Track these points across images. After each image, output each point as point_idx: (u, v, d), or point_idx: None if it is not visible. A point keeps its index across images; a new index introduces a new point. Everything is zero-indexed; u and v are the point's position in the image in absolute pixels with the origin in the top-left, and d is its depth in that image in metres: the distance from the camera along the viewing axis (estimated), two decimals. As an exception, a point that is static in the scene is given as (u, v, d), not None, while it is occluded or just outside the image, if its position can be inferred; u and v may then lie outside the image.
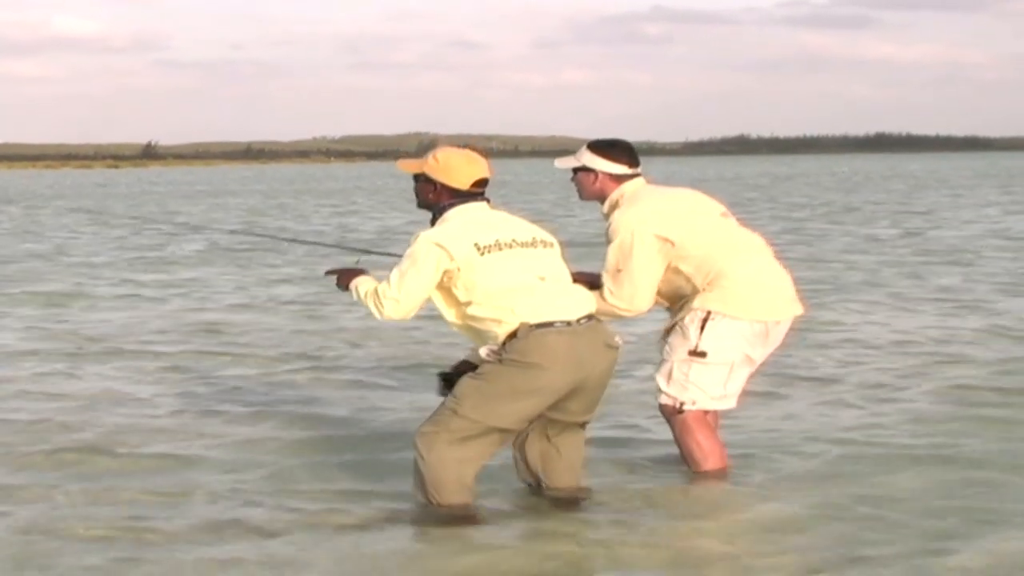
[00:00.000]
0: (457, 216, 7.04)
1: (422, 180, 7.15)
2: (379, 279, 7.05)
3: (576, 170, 7.91)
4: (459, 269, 6.84)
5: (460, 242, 6.86)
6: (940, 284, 18.45)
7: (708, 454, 7.76)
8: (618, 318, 7.56)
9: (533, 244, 7.08)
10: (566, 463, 7.27)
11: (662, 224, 7.59)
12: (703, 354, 7.57)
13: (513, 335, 6.81)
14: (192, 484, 7.97)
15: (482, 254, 6.86)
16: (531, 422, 7.03)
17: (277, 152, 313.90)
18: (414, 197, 7.29)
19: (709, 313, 7.57)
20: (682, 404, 7.62)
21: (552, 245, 7.19)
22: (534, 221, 7.36)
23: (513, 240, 7.00)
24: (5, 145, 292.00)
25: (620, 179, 7.81)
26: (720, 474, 7.80)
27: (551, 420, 7.08)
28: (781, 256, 7.90)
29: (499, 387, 6.81)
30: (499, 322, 6.84)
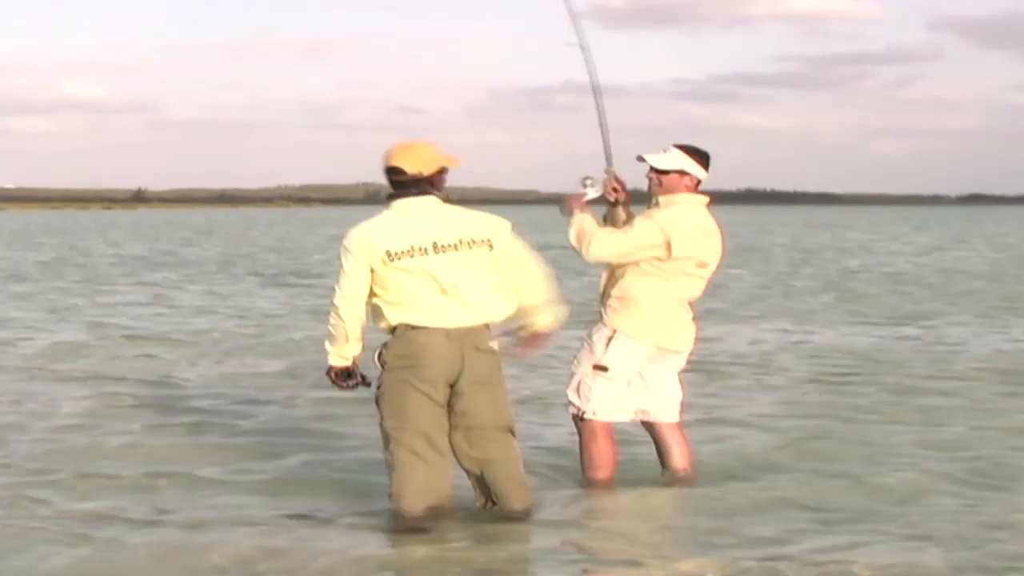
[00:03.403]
0: (394, 210, 6.60)
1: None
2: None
3: (668, 171, 7.35)
4: (372, 270, 6.47)
5: (372, 248, 6.45)
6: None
7: (601, 464, 7.49)
8: (592, 255, 7.24)
9: (456, 247, 6.52)
10: (505, 474, 6.69)
11: (681, 237, 7.23)
12: (605, 368, 7.32)
13: (392, 331, 6.53)
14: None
15: (390, 260, 6.43)
16: (446, 423, 6.56)
17: (246, 198, 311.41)
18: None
19: (615, 332, 7.33)
20: (583, 413, 7.39)
21: (481, 243, 6.59)
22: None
23: (434, 244, 6.48)
24: (18, 189, 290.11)
25: (698, 185, 7.44)
26: (608, 483, 7.48)
27: (466, 428, 6.57)
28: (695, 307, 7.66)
29: (393, 389, 6.49)
30: (385, 319, 6.53)
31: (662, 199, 7.38)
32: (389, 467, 6.63)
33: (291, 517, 7.14)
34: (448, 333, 6.48)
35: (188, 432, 9.69)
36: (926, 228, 79.33)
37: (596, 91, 7.61)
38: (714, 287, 7.49)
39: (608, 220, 7.61)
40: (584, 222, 7.33)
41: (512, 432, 6.78)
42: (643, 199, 7.57)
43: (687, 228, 7.28)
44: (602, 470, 7.51)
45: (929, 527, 6.93)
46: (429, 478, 6.56)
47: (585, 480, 7.55)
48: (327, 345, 6.69)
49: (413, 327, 6.48)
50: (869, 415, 10.40)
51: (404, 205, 6.58)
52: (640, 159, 7.42)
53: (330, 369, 6.73)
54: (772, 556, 6.33)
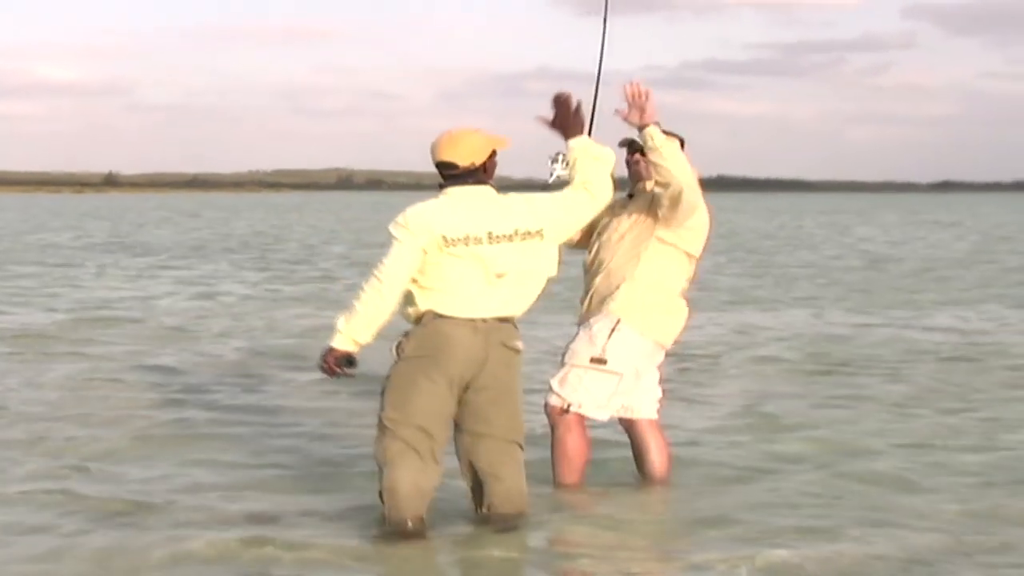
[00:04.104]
0: (448, 196, 6.27)
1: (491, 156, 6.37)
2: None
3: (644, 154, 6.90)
4: (425, 252, 6.10)
5: (431, 230, 6.10)
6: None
7: (575, 459, 7.08)
8: (677, 178, 6.68)
9: (510, 238, 6.21)
10: (508, 488, 6.35)
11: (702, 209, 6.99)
12: (604, 361, 6.92)
13: (419, 319, 6.18)
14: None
15: (446, 246, 6.10)
16: (449, 424, 6.23)
17: (217, 182, 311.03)
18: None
19: (619, 321, 6.93)
20: (569, 405, 6.95)
21: (535, 234, 6.27)
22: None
23: (487, 234, 6.16)
24: None
25: None
26: (580, 479, 7.14)
27: (478, 435, 6.26)
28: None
29: (404, 380, 6.13)
30: (415, 304, 6.15)
31: (640, 185, 7.06)
32: (380, 461, 6.23)
33: (273, 512, 6.86)
34: (476, 326, 6.15)
35: (168, 423, 9.43)
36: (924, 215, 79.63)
37: (599, 70, 7.26)
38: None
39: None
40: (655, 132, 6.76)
41: (522, 445, 6.40)
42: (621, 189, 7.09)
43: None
44: (576, 465, 7.12)
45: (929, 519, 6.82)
46: (422, 477, 6.18)
47: (555, 475, 7.14)
48: (341, 324, 6.17)
49: (440, 315, 6.13)
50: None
51: (459, 192, 6.26)
52: (626, 143, 7.06)
53: (330, 351, 6.20)
54: (759, 551, 6.16)
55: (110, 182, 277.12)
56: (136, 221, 63.03)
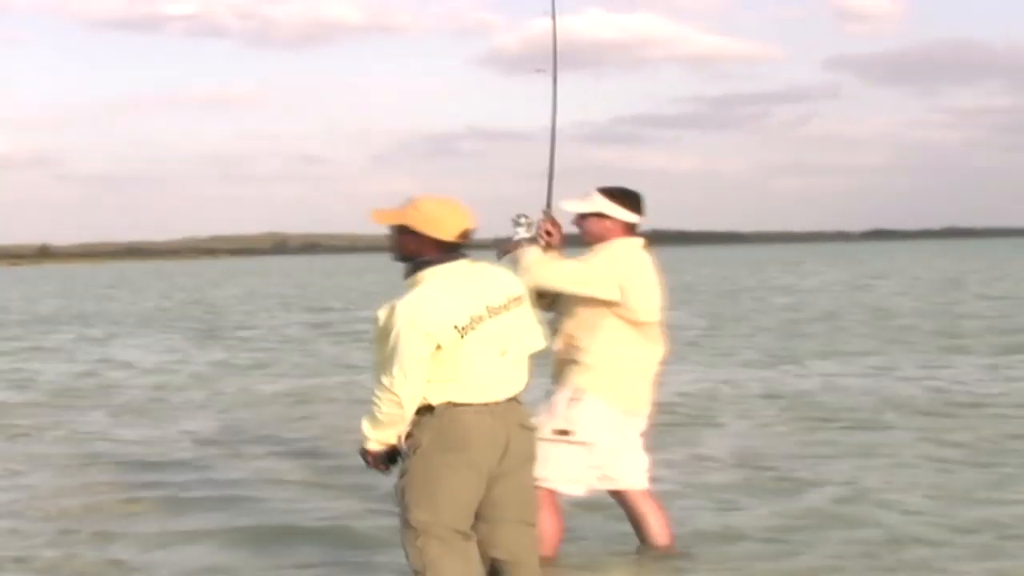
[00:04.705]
0: (429, 281, 5.58)
1: (404, 232, 5.66)
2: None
3: (586, 215, 6.81)
4: (439, 348, 5.46)
5: (439, 323, 5.45)
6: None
7: (549, 536, 6.68)
8: (540, 281, 6.52)
9: (506, 307, 5.66)
10: (531, 571, 5.85)
11: (630, 281, 6.66)
12: (568, 432, 6.58)
13: (429, 408, 5.54)
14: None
15: (462, 337, 5.50)
16: (473, 515, 5.66)
17: (153, 251, 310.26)
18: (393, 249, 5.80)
19: (579, 392, 6.63)
20: (537, 482, 6.25)
21: (521, 300, 5.76)
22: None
23: (487, 309, 5.59)
24: None
25: (630, 228, 6.82)
26: (553, 555, 6.79)
27: (498, 521, 5.71)
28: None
29: (428, 477, 5.55)
30: (424, 398, 5.52)
31: (597, 246, 6.80)
32: (418, 567, 5.63)
33: None
34: (492, 410, 5.60)
35: (122, 491, 9.24)
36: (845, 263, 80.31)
37: (552, 134, 7.06)
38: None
39: None
40: (530, 252, 6.65)
41: (535, 525, 5.93)
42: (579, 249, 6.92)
43: (633, 271, 6.72)
44: (547, 542, 6.68)
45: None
46: (467, 570, 5.64)
47: None
48: (366, 430, 5.62)
49: (456, 404, 5.55)
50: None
51: (450, 271, 5.63)
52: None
53: (367, 453, 5.69)
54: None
55: (44, 253, 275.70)
56: (81, 293, 62.43)
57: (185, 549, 7.75)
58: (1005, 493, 8.77)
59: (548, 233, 6.81)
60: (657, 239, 6.79)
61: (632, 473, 6.91)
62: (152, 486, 9.62)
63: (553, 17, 7.15)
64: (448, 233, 5.61)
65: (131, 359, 21.46)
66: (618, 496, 7.01)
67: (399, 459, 5.67)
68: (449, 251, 5.64)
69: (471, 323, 5.53)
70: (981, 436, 11.19)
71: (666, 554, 7.06)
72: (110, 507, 8.94)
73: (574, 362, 6.68)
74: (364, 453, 5.72)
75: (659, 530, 7.05)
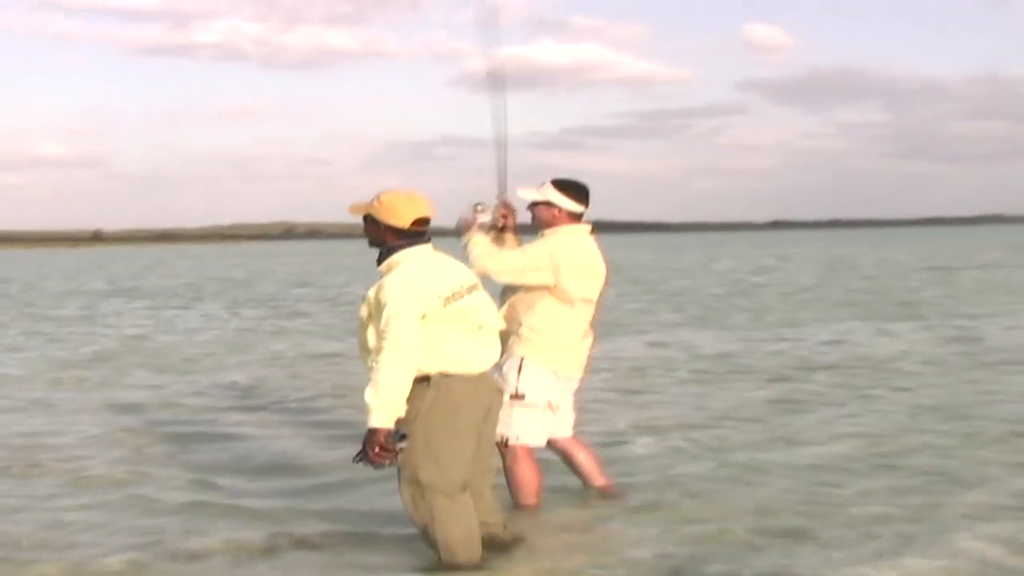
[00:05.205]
0: (408, 262, 5.36)
1: (369, 221, 5.48)
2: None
3: (538, 202, 6.56)
4: (425, 317, 5.24)
5: (428, 292, 5.26)
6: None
7: (530, 485, 6.52)
8: (483, 270, 6.23)
9: (473, 289, 5.50)
10: (490, 503, 5.69)
11: (567, 265, 6.40)
12: (521, 396, 6.38)
13: (425, 379, 5.27)
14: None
15: (445, 306, 5.30)
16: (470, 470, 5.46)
17: (184, 236, 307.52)
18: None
19: (523, 360, 6.42)
20: (507, 439, 6.38)
21: (478, 286, 5.58)
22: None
23: (461, 286, 5.42)
24: None
25: (576, 217, 6.56)
26: (537, 503, 6.52)
27: (475, 474, 5.53)
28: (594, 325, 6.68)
29: (430, 439, 5.28)
30: (418, 368, 5.21)
31: (546, 231, 6.54)
32: (425, 519, 5.38)
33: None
34: (476, 379, 5.43)
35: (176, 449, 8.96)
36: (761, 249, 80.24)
37: (500, 135, 6.61)
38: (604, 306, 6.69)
39: (497, 245, 6.65)
40: (479, 239, 6.45)
41: (492, 471, 5.81)
42: (533, 231, 6.68)
43: (572, 256, 6.44)
44: (531, 491, 6.54)
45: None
46: (471, 523, 5.43)
47: (514, 503, 6.49)
48: (374, 402, 5.11)
49: (448, 375, 5.33)
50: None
51: (425, 251, 5.45)
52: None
53: (376, 433, 5.11)
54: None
55: (97, 238, 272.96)
56: (135, 270, 61.82)
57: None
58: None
59: (504, 216, 6.64)
60: (597, 227, 6.68)
61: (564, 426, 6.70)
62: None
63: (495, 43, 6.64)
64: (403, 221, 5.40)
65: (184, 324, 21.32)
66: (554, 445, 6.76)
67: (405, 437, 5.19)
68: (406, 237, 5.41)
69: (453, 295, 5.35)
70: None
71: (611, 494, 6.82)
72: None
73: (516, 335, 6.45)
74: (368, 440, 5.13)
75: (588, 463, 6.85)
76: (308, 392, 11.75)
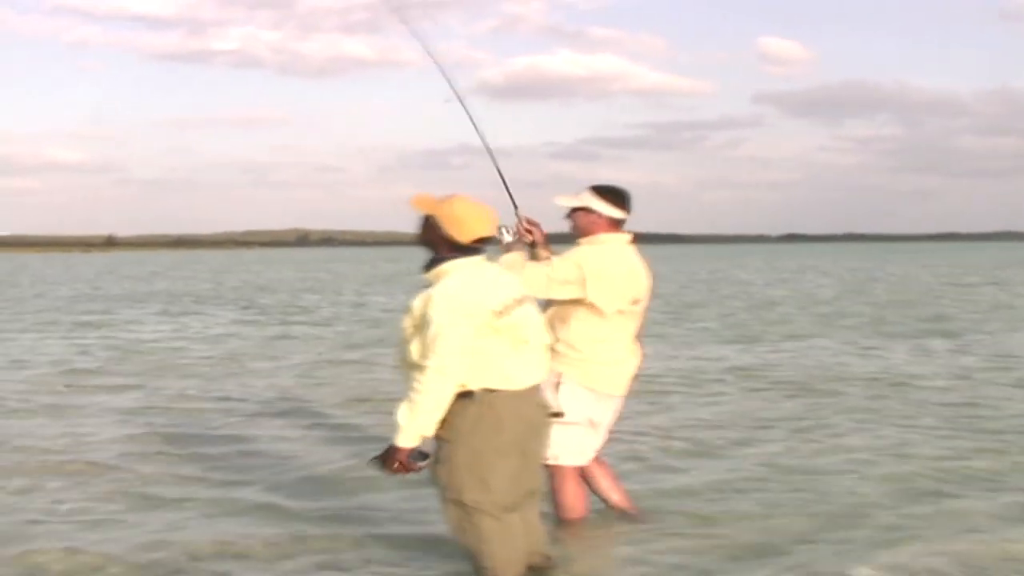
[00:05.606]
0: (458, 272, 5.05)
1: (428, 223, 5.14)
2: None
3: (576, 209, 6.24)
4: (476, 331, 4.94)
5: (479, 307, 4.94)
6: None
7: (573, 507, 6.28)
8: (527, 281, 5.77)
9: (522, 302, 5.17)
10: (539, 532, 5.43)
11: (596, 276, 6.06)
12: (560, 414, 5.84)
13: (467, 394, 4.98)
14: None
15: (498, 319, 4.98)
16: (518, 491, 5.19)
17: (197, 242, 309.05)
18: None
19: (560, 377, 6.06)
20: (547, 459, 5.85)
21: (528, 300, 5.28)
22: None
23: (511, 299, 5.09)
24: (10, 236, 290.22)
25: (616, 224, 6.24)
26: (581, 524, 6.28)
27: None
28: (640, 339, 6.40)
29: (474, 460, 5.01)
30: (462, 383, 4.94)
31: (582, 240, 6.21)
32: (473, 542, 5.13)
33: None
34: (521, 395, 5.10)
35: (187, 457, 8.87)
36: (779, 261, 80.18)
37: (489, 149, 6.35)
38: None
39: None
40: (512, 257, 6.08)
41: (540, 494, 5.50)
42: (569, 241, 6.35)
43: (601, 267, 6.08)
44: (574, 512, 6.29)
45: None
46: (517, 543, 5.18)
47: (558, 522, 6.24)
48: (403, 419, 4.90)
49: (492, 391, 5.01)
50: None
51: (475, 263, 5.13)
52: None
53: (398, 451, 4.93)
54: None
55: (111, 243, 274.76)
56: (150, 275, 61.97)
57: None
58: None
59: (528, 231, 6.23)
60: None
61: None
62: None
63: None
64: (464, 236, 5.07)
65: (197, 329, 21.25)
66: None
67: (427, 456, 5.01)
68: (460, 251, 5.09)
69: (504, 309, 5.02)
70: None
71: (634, 516, 6.56)
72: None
73: (553, 351, 5.91)
74: (389, 454, 4.95)
75: (608, 484, 6.54)
76: (336, 399, 11.64)
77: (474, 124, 6.26)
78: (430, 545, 6.04)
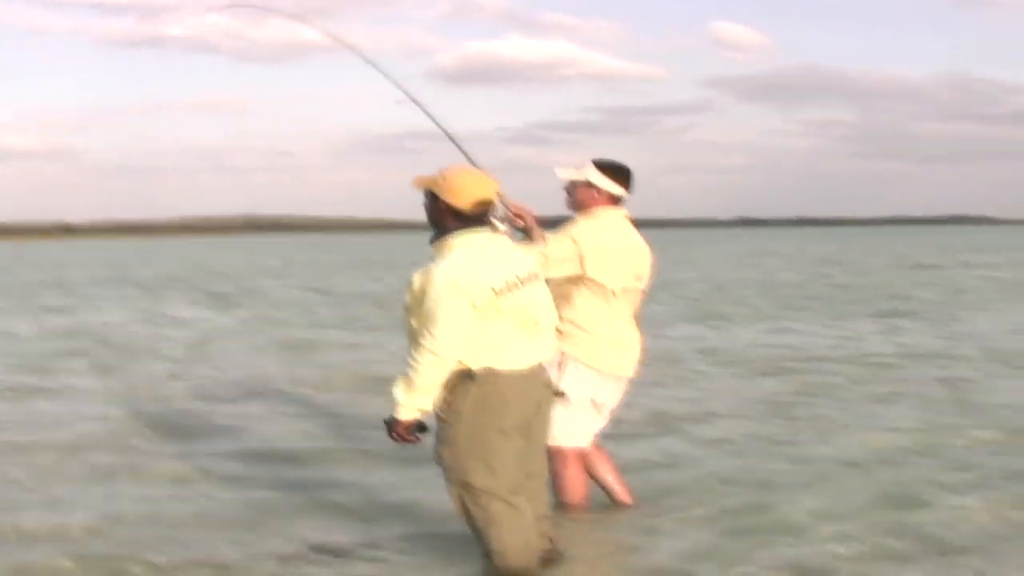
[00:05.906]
0: (462, 249, 4.95)
1: (429, 197, 5.09)
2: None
3: (576, 183, 6.12)
4: (476, 310, 4.86)
5: (477, 285, 4.86)
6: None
7: (574, 489, 6.13)
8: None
9: (531, 279, 5.07)
10: (547, 522, 5.27)
11: (594, 252, 5.93)
12: (562, 394, 5.76)
13: (468, 374, 4.93)
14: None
15: (498, 298, 4.90)
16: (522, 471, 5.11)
17: (153, 229, 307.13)
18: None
19: (564, 357, 5.92)
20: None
21: (538, 276, 5.17)
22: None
23: (517, 278, 4.99)
24: None
25: (615, 200, 6.11)
26: (583, 506, 6.14)
27: (527, 476, 5.14)
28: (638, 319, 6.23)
29: (478, 443, 4.94)
30: (464, 363, 4.91)
31: (578, 214, 6.06)
32: (480, 525, 5.04)
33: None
34: (525, 375, 5.02)
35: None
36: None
37: (454, 140, 6.22)
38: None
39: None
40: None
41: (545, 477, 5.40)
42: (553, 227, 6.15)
43: (599, 241, 5.95)
44: (576, 495, 6.15)
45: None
46: (527, 529, 5.06)
47: (560, 505, 6.04)
48: (401, 396, 4.93)
49: (496, 371, 4.95)
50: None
51: (481, 239, 5.02)
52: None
53: (397, 423, 4.97)
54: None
55: (67, 230, 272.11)
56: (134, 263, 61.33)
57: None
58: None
59: (518, 217, 6.04)
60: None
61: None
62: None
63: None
64: (464, 201, 4.98)
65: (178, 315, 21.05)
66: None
67: (425, 430, 5.02)
68: (464, 220, 5.00)
69: (506, 287, 4.94)
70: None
71: (633, 506, 6.37)
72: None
73: (557, 330, 5.59)
74: (392, 424, 4.99)
75: (610, 473, 6.38)
76: (307, 378, 11.59)
77: (434, 120, 6.19)
78: (394, 512, 6.30)
